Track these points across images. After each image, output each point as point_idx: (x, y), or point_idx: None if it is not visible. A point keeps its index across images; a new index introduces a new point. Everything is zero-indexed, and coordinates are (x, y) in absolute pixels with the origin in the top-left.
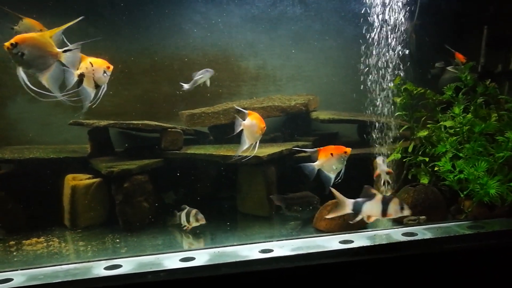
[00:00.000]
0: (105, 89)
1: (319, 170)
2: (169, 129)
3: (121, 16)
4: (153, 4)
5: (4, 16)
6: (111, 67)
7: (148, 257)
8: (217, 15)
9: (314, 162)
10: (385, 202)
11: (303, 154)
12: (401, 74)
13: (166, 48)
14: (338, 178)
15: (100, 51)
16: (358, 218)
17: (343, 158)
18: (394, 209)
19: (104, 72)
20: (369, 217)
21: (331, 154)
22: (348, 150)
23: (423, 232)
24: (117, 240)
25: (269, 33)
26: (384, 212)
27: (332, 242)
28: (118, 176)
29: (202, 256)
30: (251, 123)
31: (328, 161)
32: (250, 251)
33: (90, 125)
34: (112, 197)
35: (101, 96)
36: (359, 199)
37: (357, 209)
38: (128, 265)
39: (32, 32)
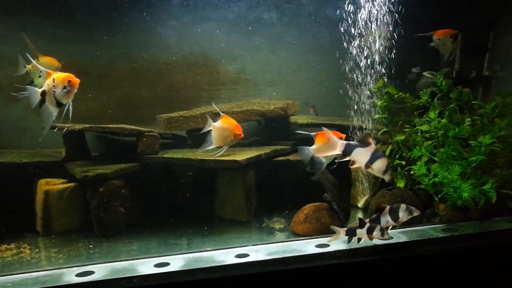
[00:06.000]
0: (70, 108)
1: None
2: (146, 133)
3: (99, 20)
4: (132, 8)
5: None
6: (75, 81)
7: (121, 262)
8: (197, 19)
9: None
10: (374, 156)
11: (282, 158)
12: (384, 78)
13: (145, 52)
14: (332, 163)
15: (72, 57)
16: (346, 158)
17: None
18: (378, 167)
19: (64, 87)
20: (353, 162)
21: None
22: (343, 136)
23: (398, 235)
24: (91, 246)
25: (249, 38)
26: (367, 165)
27: (308, 246)
28: (93, 181)
29: (177, 262)
30: (221, 127)
31: (324, 146)
32: (226, 256)
33: (64, 129)
34: (87, 202)
35: (70, 116)
36: (352, 142)
37: (347, 151)
38: (100, 271)
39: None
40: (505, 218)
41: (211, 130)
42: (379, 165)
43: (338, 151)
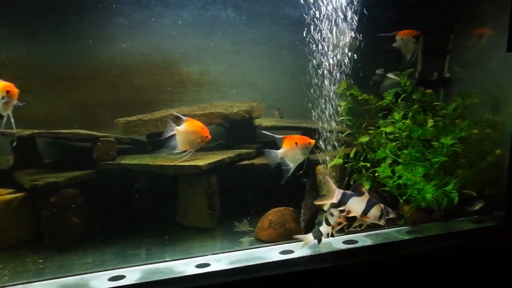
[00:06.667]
0: (12, 119)
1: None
2: (102, 138)
3: (53, 20)
4: (88, 7)
5: None
6: (14, 91)
7: (72, 277)
8: (157, 19)
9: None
10: (369, 204)
11: (246, 162)
12: (348, 79)
13: (103, 53)
14: (301, 170)
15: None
16: (341, 208)
17: (306, 149)
18: (373, 214)
19: (3, 97)
20: (348, 212)
21: (296, 143)
22: (312, 141)
23: (363, 239)
24: (40, 261)
25: (213, 39)
26: (364, 213)
27: (272, 253)
28: (44, 190)
29: (133, 274)
30: (187, 130)
31: (292, 150)
32: (186, 267)
33: (12, 135)
34: (38, 213)
35: (13, 127)
36: (347, 191)
37: (343, 200)
38: None
39: None
40: (468, 219)
41: (174, 134)
42: (375, 212)
43: (334, 200)
